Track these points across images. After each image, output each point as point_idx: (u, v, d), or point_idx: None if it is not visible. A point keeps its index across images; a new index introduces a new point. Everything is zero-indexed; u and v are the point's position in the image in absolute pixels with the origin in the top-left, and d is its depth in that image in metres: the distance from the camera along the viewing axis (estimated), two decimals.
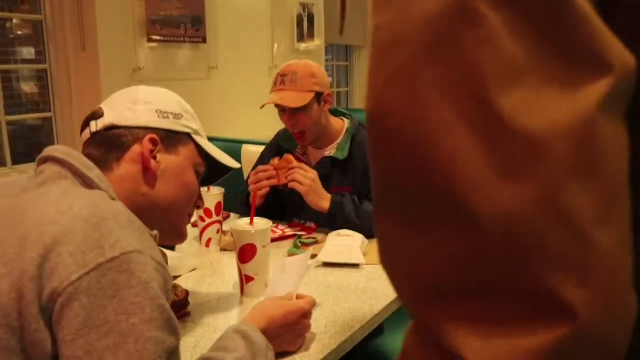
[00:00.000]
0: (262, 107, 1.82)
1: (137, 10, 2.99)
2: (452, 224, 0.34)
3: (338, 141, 1.87)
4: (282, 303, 1.04)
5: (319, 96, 1.79)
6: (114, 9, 2.89)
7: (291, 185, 1.70)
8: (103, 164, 0.92)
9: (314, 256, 1.54)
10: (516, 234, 0.32)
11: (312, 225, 1.84)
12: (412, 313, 0.38)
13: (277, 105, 1.80)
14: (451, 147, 0.33)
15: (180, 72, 3.29)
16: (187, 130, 1.01)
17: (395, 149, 0.36)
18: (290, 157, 1.77)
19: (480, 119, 0.33)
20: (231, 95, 3.62)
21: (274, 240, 1.64)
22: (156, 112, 0.98)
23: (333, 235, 1.63)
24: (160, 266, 0.76)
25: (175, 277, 1.40)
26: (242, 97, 3.66)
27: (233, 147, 2.39)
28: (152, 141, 0.95)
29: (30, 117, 3.03)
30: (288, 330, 1.02)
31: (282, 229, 1.80)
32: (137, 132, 0.95)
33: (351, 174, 1.82)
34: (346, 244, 1.57)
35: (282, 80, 1.78)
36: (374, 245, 1.64)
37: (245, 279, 1.30)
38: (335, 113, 1.94)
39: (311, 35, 4.46)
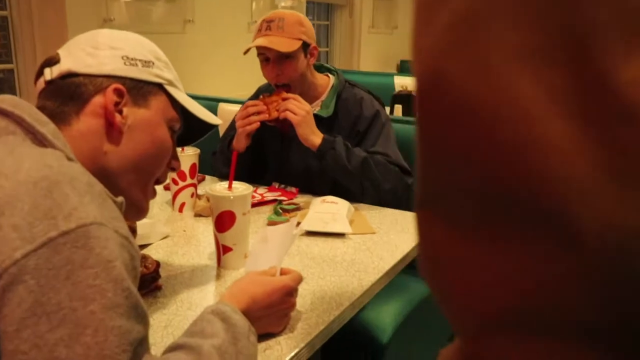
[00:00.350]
0: (246, 52, 1.69)
1: None
2: (539, 237, 0.23)
3: (322, 98, 1.76)
4: (264, 279, 0.93)
5: (305, 47, 1.68)
6: None
7: (283, 115, 1.60)
8: (59, 118, 0.78)
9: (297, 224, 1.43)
10: (634, 261, 0.22)
11: (294, 189, 1.72)
12: (463, 340, 0.29)
13: (260, 54, 1.68)
14: (540, 133, 0.23)
15: (154, 25, 3.10)
16: (158, 80, 0.88)
17: (455, 129, 0.25)
18: (283, 91, 1.66)
19: (585, 95, 0.22)
20: (207, 51, 3.44)
21: (252, 205, 1.52)
22: (122, 58, 0.84)
23: (317, 202, 1.52)
24: (126, 240, 0.64)
25: (145, 246, 1.28)
26: (219, 53, 3.49)
27: (209, 106, 2.22)
28: (117, 92, 0.82)
29: None
30: (272, 311, 0.91)
31: (261, 194, 1.68)
32: (99, 81, 0.82)
33: (336, 132, 1.70)
34: (331, 211, 1.46)
35: (267, 26, 1.64)
36: (359, 213, 1.54)
37: (222, 249, 1.18)
38: (320, 69, 1.82)
39: None
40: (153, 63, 0.87)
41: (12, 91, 2.77)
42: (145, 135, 0.85)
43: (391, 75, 4.12)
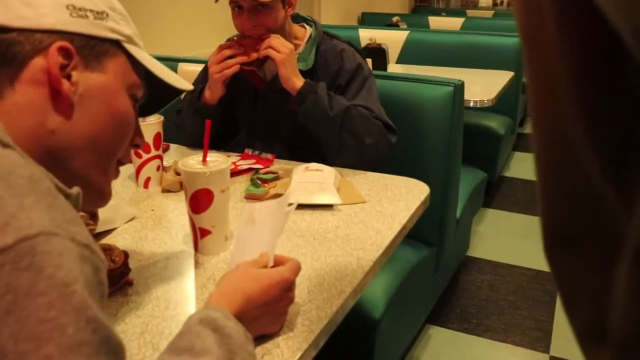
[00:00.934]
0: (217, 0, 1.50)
1: None
2: None
3: (299, 50, 1.60)
4: (259, 273, 0.78)
5: None
6: None
7: (264, 52, 1.46)
8: None
9: (277, 195, 1.28)
10: None
11: (269, 156, 1.56)
12: None
13: (232, 2, 1.50)
14: None
15: None
16: (115, 36, 0.70)
17: None
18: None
19: None
20: (160, 8, 3.19)
21: None
22: (67, 8, 0.66)
23: (299, 170, 1.37)
24: (86, 249, 0.48)
25: (109, 231, 1.11)
26: (174, 9, 3.23)
27: (167, 67, 2.03)
28: (64, 51, 0.63)
29: None
30: (269, 309, 0.77)
31: (234, 162, 1.51)
32: (38, 38, 0.63)
33: None
34: (316, 180, 1.31)
35: None
36: (345, 180, 1.39)
37: (199, 233, 1.02)
38: (296, 19, 1.65)
39: None
40: (107, 14, 0.69)
41: None
42: (101, 106, 0.68)
43: (355, 28, 3.93)
